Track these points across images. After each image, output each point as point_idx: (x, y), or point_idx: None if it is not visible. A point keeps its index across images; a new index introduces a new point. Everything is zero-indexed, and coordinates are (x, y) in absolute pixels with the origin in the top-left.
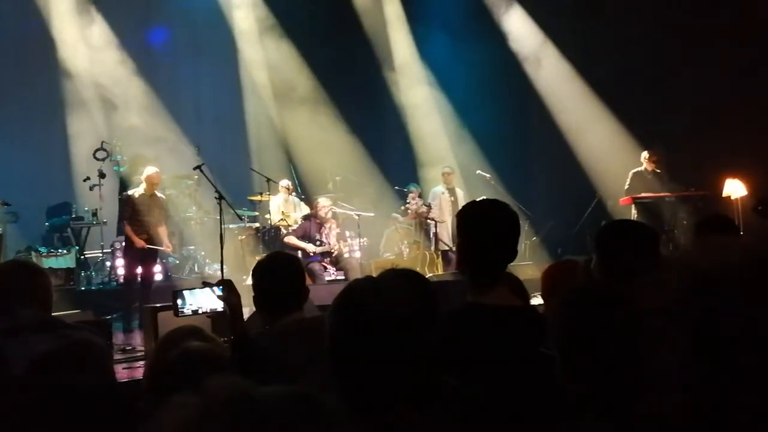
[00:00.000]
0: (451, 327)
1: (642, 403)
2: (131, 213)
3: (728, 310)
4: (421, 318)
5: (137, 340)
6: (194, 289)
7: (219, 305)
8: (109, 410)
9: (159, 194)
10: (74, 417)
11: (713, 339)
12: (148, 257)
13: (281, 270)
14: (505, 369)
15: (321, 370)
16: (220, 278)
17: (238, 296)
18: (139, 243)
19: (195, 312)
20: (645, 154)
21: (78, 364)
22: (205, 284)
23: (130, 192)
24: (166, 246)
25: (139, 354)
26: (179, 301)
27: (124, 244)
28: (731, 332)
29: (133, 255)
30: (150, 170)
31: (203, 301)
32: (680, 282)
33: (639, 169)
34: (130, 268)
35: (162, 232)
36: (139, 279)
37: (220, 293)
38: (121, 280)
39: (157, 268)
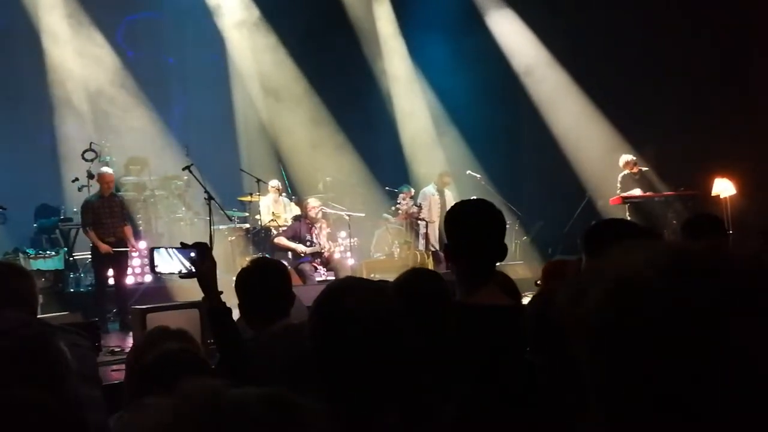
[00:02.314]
0: (438, 326)
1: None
2: (93, 219)
3: (641, 319)
4: (404, 317)
5: (116, 341)
6: (173, 248)
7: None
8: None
9: (118, 194)
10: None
11: (627, 350)
12: (117, 261)
13: (266, 277)
14: (492, 368)
15: (310, 376)
16: (196, 241)
17: (213, 263)
18: (104, 248)
19: (171, 273)
20: (624, 159)
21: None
22: (183, 245)
23: (88, 197)
24: (131, 246)
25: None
26: (156, 258)
27: (90, 251)
28: (646, 344)
29: (102, 260)
30: (102, 170)
31: (180, 262)
32: (596, 290)
33: (625, 172)
34: (100, 274)
35: (127, 232)
36: (113, 283)
37: (193, 257)
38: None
39: (142, 270)
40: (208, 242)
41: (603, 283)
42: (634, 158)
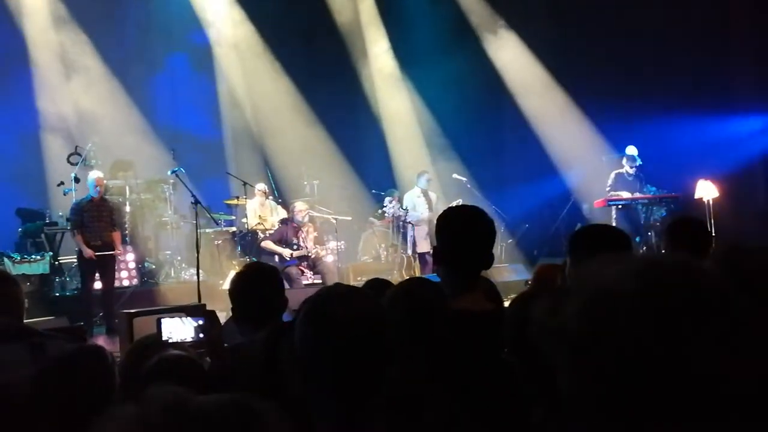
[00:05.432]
0: (422, 330)
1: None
2: (83, 221)
3: (616, 331)
4: (386, 321)
5: (109, 346)
6: (178, 317)
7: (201, 335)
8: None
9: (108, 198)
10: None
11: (602, 359)
12: (103, 265)
13: (260, 282)
14: (474, 372)
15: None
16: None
17: (219, 328)
18: (88, 253)
19: (179, 340)
20: (625, 158)
21: (90, 371)
22: (189, 314)
23: (78, 200)
24: (117, 250)
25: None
26: (164, 327)
27: (77, 254)
28: (620, 354)
29: (88, 264)
30: (96, 174)
31: (187, 329)
32: (573, 301)
33: (620, 170)
34: (86, 277)
35: (115, 237)
36: (99, 287)
37: (202, 324)
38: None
39: (128, 274)
40: (195, 246)
41: (580, 294)
42: (636, 156)
